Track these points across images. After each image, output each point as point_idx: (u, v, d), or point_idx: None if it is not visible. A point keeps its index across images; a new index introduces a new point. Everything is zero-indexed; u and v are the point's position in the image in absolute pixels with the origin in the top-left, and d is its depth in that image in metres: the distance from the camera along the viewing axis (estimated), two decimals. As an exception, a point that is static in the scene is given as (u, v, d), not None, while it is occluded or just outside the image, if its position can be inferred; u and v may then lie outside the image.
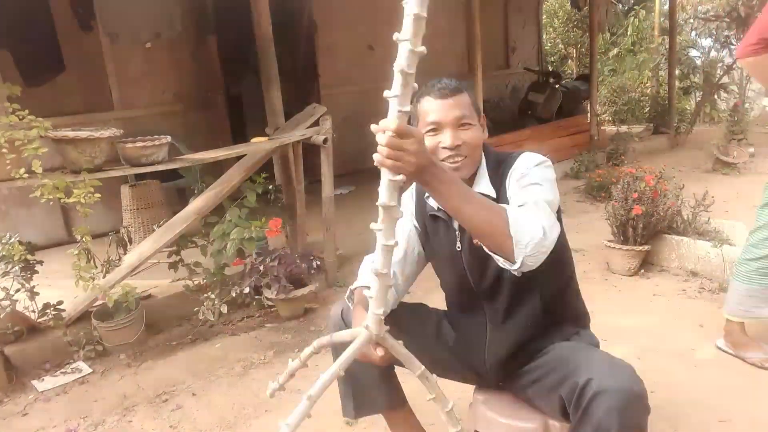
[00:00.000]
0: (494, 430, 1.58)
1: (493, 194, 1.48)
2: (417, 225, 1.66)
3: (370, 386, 1.68)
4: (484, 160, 1.53)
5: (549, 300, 1.53)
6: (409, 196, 1.69)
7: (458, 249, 1.55)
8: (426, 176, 1.17)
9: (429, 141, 1.43)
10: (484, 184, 1.50)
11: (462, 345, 1.65)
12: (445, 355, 1.66)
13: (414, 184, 1.68)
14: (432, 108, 1.45)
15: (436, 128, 1.45)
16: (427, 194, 1.57)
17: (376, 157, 1.12)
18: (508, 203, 1.39)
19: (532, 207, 1.32)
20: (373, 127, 1.14)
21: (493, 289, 1.52)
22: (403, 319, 1.68)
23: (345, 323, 1.63)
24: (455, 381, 1.74)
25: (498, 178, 1.50)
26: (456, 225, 1.54)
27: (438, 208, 1.55)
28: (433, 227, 1.60)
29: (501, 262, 1.27)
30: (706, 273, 3.32)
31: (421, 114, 1.48)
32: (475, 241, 1.46)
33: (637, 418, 1.25)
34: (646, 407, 1.27)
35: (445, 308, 1.78)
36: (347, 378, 1.66)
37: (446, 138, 1.44)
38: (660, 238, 3.50)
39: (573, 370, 1.34)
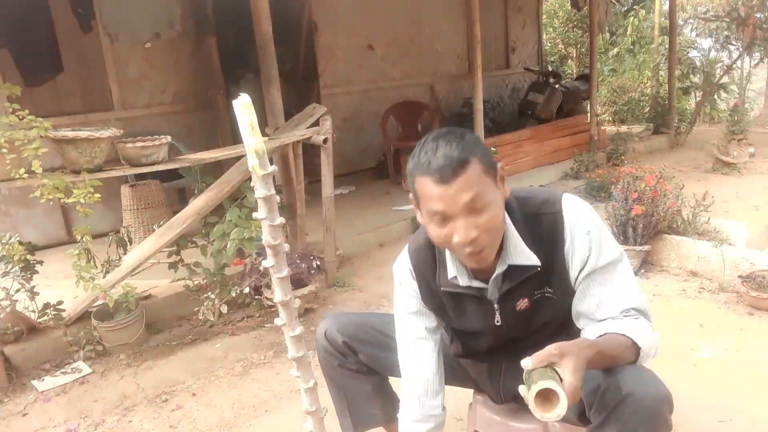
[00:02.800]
0: (494, 430, 1.58)
1: (537, 262, 1.27)
2: (427, 308, 1.44)
3: (365, 401, 1.64)
4: (509, 221, 1.27)
5: (574, 330, 1.40)
6: (405, 274, 1.43)
7: (497, 323, 1.37)
8: (585, 363, 1.07)
9: (437, 231, 1.19)
10: (521, 253, 1.27)
11: (471, 371, 1.59)
12: (449, 368, 1.59)
13: (403, 274, 1.44)
14: (432, 195, 1.15)
15: (444, 218, 1.17)
16: (452, 275, 1.33)
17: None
18: (562, 276, 1.29)
19: (639, 320, 1.23)
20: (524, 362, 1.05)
21: (528, 338, 1.40)
22: (395, 335, 1.65)
23: (329, 342, 1.59)
24: (455, 386, 1.74)
25: (543, 243, 1.28)
26: (494, 298, 1.35)
27: (457, 285, 1.33)
28: (455, 303, 1.39)
29: None
30: (706, 273, 3.32)
31: (419, 195, 1.20)
32: (518, 307, 1.34)
33: (664, 420, 1.23)
34: (671, 408, 1.24)
35: None
36: (341, 396, 1.65)
37: (458, 232, 1.16)
38: (660, 238, 3.50)
39: (595, 376, 1.27)
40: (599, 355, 1.11)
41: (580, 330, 1.32)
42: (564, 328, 1.38)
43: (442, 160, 1.13)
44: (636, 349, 1.18)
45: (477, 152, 1.16)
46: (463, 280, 1.32)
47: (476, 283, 1.32)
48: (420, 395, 1.46)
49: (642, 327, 1.21)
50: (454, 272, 1.32)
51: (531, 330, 1.39)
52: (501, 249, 1.27)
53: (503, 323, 1.37)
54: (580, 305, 1.30)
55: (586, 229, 1.26)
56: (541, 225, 1.28)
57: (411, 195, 1.25)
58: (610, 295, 1.26)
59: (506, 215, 1.24)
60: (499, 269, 1.29)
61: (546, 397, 1.05)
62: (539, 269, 1.29)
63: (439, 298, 1.39)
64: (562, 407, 1.02)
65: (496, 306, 1.35)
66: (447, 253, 1.32)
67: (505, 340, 1.42)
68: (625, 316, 1.24)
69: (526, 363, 1.04)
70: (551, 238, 1.28)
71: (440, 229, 1.18)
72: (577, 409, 1.33)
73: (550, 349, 1.03)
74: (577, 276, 1.29)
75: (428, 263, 1.37)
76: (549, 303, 1.34)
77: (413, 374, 1.46)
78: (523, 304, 1.34)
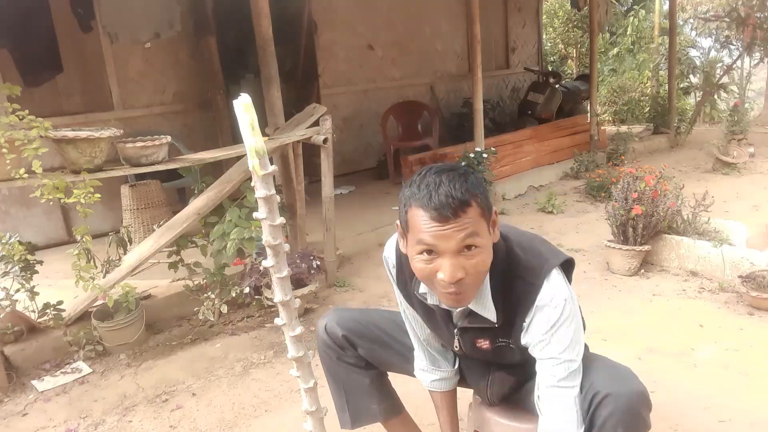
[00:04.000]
0: (494, 430, 1.58)
1: (493, 321, 1.29)
2: (404, 299, 1.50)
3: (364, 396, 1.66)
4: (486, 279, 1.25)
5: None
6: (390, 263, 1.49)
7: (455, 348, 1.45)
8: None
9: (421, 264, 1.17)
10: (482, 305, 1.28)
11: (464, 373, 1.63)
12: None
13: (394, 266, 1.47)
14: (427, 230, 1.12)
15: (431, 253, 1.15)
16: (422, 291, 1.35)
17: None
18: (518, 336, 1.31)
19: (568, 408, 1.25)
20: None
21: (501, 366, 1.49)
22: (395, 331, 1.67)
23: (329, 335, 1.62)
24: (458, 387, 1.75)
25: (509, 304, 1.28)
26: (455, 322, 1.38)
27: (433, 304, 1.36)
28: (426, 310, 1.42)
29: None
30: (706, 273, 3.32)
31: (411, 225, 1.16)
32: (478, 344, 1.38)
33: (642, 418, 1.26)
34: (648, 405, 1.27)
35: None
36: (340, 390, 1.66)
37: (444, 269, 1.14)
38: (660, 238, 3.50)
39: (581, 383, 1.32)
40: None
41: None
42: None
43: (444, 198, 1.10)
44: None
45: (478, 195, 1.14)
46: (432, 300, 1.35)
47: (444, 306, 1.33)
48: (428, 348, 1.57)
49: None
50: (425, 290, 1.34)
51: (493, 363, 1.45)
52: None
53: (462, 351, 1.45)
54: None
55: (549, 319, 1.24)
56: (513, 290, 1.27)
57: (398, 222, 1.23)
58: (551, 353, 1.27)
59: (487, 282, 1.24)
60: (463, 307, 1.31)
61: None
62: (496, 324, 1.31)
63: (413, 299, 1.43)
64: None
65: (456, 333, 1.40)
66: None
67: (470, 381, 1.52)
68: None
69: None
70: (516, 306, 1.28)
71: (425, 264, 1.17)
72: None
73: None
74: (530, 345, 1.31)
75: (408, 269, 1.31)
76: (509, 350, 1.39)
77: (422, 341, 1.56)
78: (484, 344, 1.39)
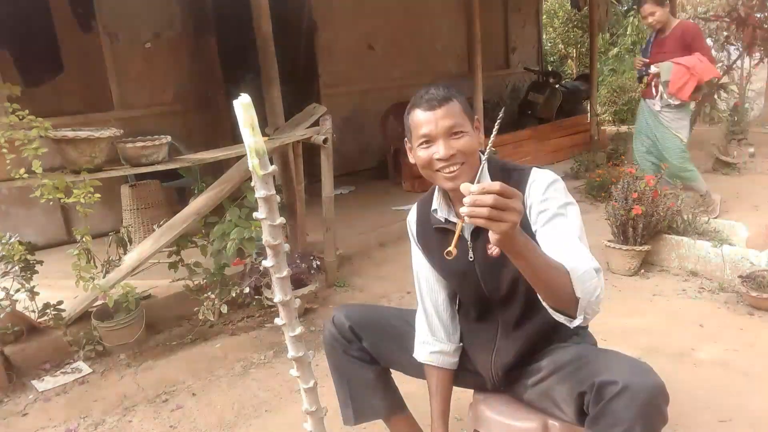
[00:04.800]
0: (494, 430, 1.58)
1: None
2: (421, 250, 1.63)
3: (367, 392, 1.68)
4: (485, 166, 1.39)
5: None
6: (411, 220, 1.66)
7: (471, 259, 1.50)
8: (519, 236, 1.11)
9: (423, 153, 1.43)
10: None
11: (469, 351, 1.65)
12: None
13: (409, 218, 1.67)
14: (422, 120, 1.42)
15: (429, 140, 1.41)
16: (434, 208, 1.54)
17: (465, 211, 1.06)
18: (526, 222, 1.38)
19: (581, 253, 1.32)
20: (468, 186, 1.08)
21: (508, 298, 1.50)
22: (401, 326, 1.70)
23: (336, 327, 1.65)
24: (456, 386, 1.75)
25: None
26: (467, 234, 1.49)
27: (445, 219, 1.51)
28: (439, 241, 1.53)
29: (562, 319, 1.26)
30: (706, 273, 3.32)
31: (412, 127, 1.46)
32: (489, 251, 1.44)
33: (661, 412, 1.25)
34: (666, 399, 1.26)
35: None
36: (344, 384, 1.68)
37: (439, 149, 1.39)
38: (660, 238, 3.50)
39: (592, 371, 1.32)
40: (535, 248, 1.18)
41: None
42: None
43: (432, 94, 1.42)
44: (569, 279, 1.22)
45: (459, 98, 1.44)
46: (442, 213, 1.51)
47: (453, 218, 1.50)
48: (432, 323, 1.64)
49: (582, 265, 1.28)
50: (437, 205, 1.53)
51: (505, 282, 1.47)
52: None
53: (476, 260, 1.49)
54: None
55: (544, 183, 1.43)
56: (509, 178, 1.45)
57: (405, 139, 1.52)
58: (554, 235, 1.37)
59: (485, 161, 1.32)
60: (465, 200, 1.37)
61: None
62: None
63: (430, 235, 1.57)
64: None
65: (469, 242, 1.49)
66: (435, 191, 1.54)
67: (487, 292, 1.51)
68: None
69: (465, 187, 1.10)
70: (515, 187, 1.35)
71: (425, 150, 1.42)
72: (576, 408, 1.34)
73: (495, 185, 1.07)
74: (536, 228, 1.40)
75: (426, 206, 1.59)
76: None
77: (427, 304, 1.65)
78: (493, 249, 1.43)
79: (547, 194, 1.40)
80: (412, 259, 1.69)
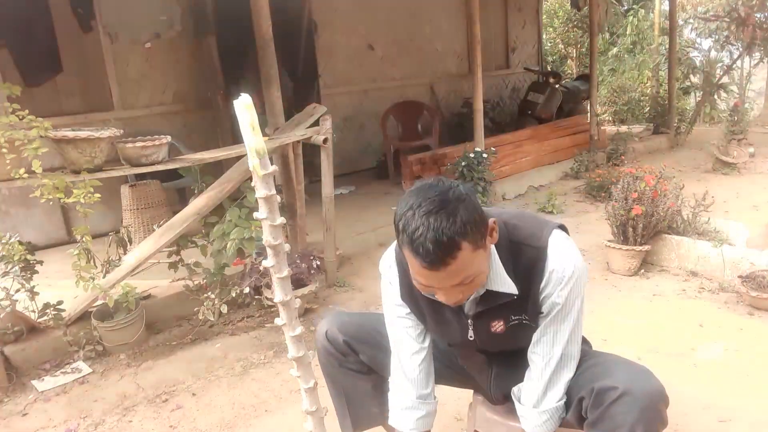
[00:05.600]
0: (494, 430, 1.58)
1: (515, 291, 1.30)
2: (407, 306, 1.45)
3: (365, 400, 1.65)
4: (494, 249, 1.29)
5: None
6: (390, 281, 1.45)
7: (470, 338, 1.42)
8: None
9: (419, 286, 1.23)
10: (501, 281, 1.30)
11: (466, 372, 1.62)
12: (443, 367, 1.63)
13: (388, 267, 1.45)
14: (420, 273, 1.17)
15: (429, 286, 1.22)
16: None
17: None
18: (536, 308, 1.32)
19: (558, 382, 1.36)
20: None
21: (506, 353, 1.47)
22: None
23: (330, 342, 1.60)
24: (455, 387, 1.75)
25: (522, 273, 1.30)
26: (467, 312, 1.38)
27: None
28: (433, 309, 1.40)
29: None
30: (706, 273, 3.32)
31: (407, 258, 1.19)
32: (493, 329, 1.37)
33: (661, 416, 1.25)
34: (666, 402, 1.27)
35: None
36: (341, 395, 1.66)
37: (442, 298, 1.23)
38: (660, 238, 3.50)
39: (591, 376, 1.32)
40: None
41: None
42: None
43: (432, 248, 1.10)
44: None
45: (468, 233, 1.12)
46: None
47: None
48: (412, 381, 1.48)
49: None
50: None
51: (505, 350, 1.44)
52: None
53: (476, 339, 1.41)
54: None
55: (563, 278, 1.28)
56: (522, 256, 1.29)
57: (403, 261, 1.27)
58: (549, 342, 1.34)
59: (493, 247, 1.25)
60: (477, 293, 1.32)
61: None
62: (515, 297, 1.31)
63: (418, 301, 1.40)
64: None
65: (470, 322, 1.39)
66: None
67: (480, 352, 1.47)
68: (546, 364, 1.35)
69: None
70: (530, 272, 1.30)
71: (424, 288, 1.22)
72: (575, 412, 1.34)
73: None
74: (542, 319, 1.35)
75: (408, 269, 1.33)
76: (525, 329, 1.38)
77: (405, 361, 1.48)
78: (498, 326, 1.38)
79: (563, 291, 1.28)
80: (385, 312, 1.50)
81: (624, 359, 1.38)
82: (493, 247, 1.26)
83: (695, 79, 8.21)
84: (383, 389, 1.68)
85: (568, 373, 1.35)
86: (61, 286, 3.17)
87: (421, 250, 1.11)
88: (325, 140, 3.43)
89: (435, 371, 1.57)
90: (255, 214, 1.17)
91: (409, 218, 1.13)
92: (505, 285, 1.30)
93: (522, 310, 1.34)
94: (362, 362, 1.61)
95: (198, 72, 5.31)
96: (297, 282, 3.14)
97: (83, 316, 2.99)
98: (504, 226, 1.31)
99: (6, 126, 2.39)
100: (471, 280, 1.18)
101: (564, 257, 1.28)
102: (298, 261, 3.17)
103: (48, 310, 2.90)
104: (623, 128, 7.97)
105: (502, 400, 1.56)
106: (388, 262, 1.45)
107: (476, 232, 1.15)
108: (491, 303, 1.34)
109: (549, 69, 9.23)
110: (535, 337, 1.37)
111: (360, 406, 1.66)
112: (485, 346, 1.44)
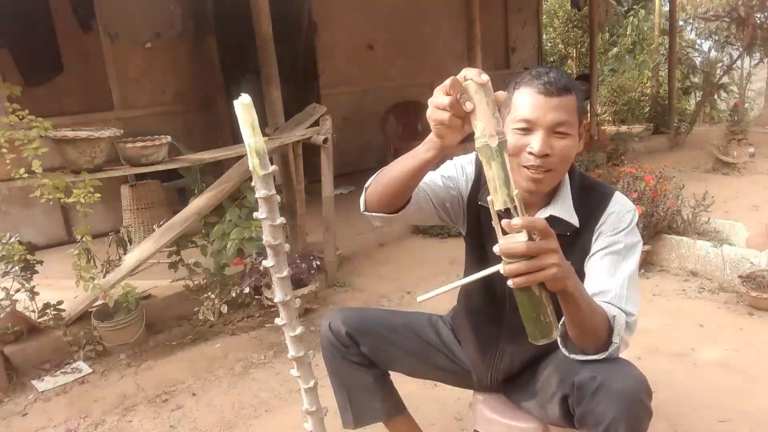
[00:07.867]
0: (494, 430, 1.58)
1: (576, 224, 1.34)
2: (463, 207, 1.44)
3: (367, 394, 1.66)
4: (567, 179, 1.33)
5: None
6: (463, 167, 1.46)
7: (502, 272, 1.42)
8: (568, 279, 1.03)
9: (514, 139, 1.25)
10: (566, 210, 1.35)
11: (469, 353, 1.62)
12: (446, 362, 1.64)
13: (471, 161, 1.46)
14: (530, 102, 1.23)
15: (528, 127, 1.24)
16: (482, 194, 1.38)
17: (507, 269, 0.97)
18: (585, 248, 1.33)
19: (630, 299, 1.31)
20: (501, 246, 0.97)
21: (513, 341, 1.46)
22: (398, 330, 1.66)
23: (333, 333, 1.61)
24: (453, 386, 1.75)
25: (585, 211, 1.35)
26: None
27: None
28: (488, 221, 1.36)
29: (565, 350, 1.25)
30: (706, 273, 3.32)
31: (514, 104, 1.27)
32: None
33: (644, 405, 1.22)
34: (649, 393, 1.23)
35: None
36: (343, 389, 1.66)
37: (536, 142, 1.23)
38: (660, 238, 3.49)
39: (570, 371, 1.30)
40: (581, 288, 1.13)
41: None
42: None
43: (553, 78, 1.23)
44: (608, 326, 1.22)
45: (578, 93, 1.27)
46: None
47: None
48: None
49: (627, 317, 1.29)
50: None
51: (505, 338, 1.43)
52: (548, 201, 1.35)
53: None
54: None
55: (621, 218, 1.33)
56: (590, 198, 1.36)
57: (505, 109, 1.29)
58: (606, 284, 1.29)
59: (567, 176, 1.29)
60: (540, 215, 1.34)
61: None
62: (568, 234, 1.33)
63: (477, 210, 1.43)
64: None
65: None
66: None
67: (504, 298, 1.44)
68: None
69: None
70: (592, 213, 1.35)
71: (519, 136, 1.25)
72: (562, 411, 1.34)
73: (539, 222, 0.98)
74: (593, 253, 1.33)
75: (480, 185, 1.41)
76: None
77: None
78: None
79: (620, 232, 1.32)
80: (442, 170, 1.47)
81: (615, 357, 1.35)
82: (567, 178, 1.31)
83: (695, 79, 8.22)
84: (385, 384, 1.70)
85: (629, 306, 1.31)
86: (61, 286, 3.17)
87: (542, 77, 1.24)
88: (325, 140, 3.43)
89: (437, 367, 1.60)
90: (255, 214, 1.17)
91: (529, 71, 1.27)
92: (569, 215, 1.34)
93: (570, 251, 1.29)
94: (364, 355, 1.62)
95: (198, 72, 5.31)
96: (297, 282, 3.14)
97: (83, 316, 2.99)
98: (580, 174, 1.40)
99: (6, 126, 2.40)
100: (564, 137, 1.23)
101: (627, 204, 1.36)
102: (298, 261, 3.17)
103: (48, 310, 2.90)
104: (623, 128, 7.98)
105: (504, 381, 1.56)
106: (468, 158, 1.48)
107: (581, 104, 1.28)
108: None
109: (549, 69, 9.22)
110: (591, 272, 1.32)
111: (361, 399, 1.67)
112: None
